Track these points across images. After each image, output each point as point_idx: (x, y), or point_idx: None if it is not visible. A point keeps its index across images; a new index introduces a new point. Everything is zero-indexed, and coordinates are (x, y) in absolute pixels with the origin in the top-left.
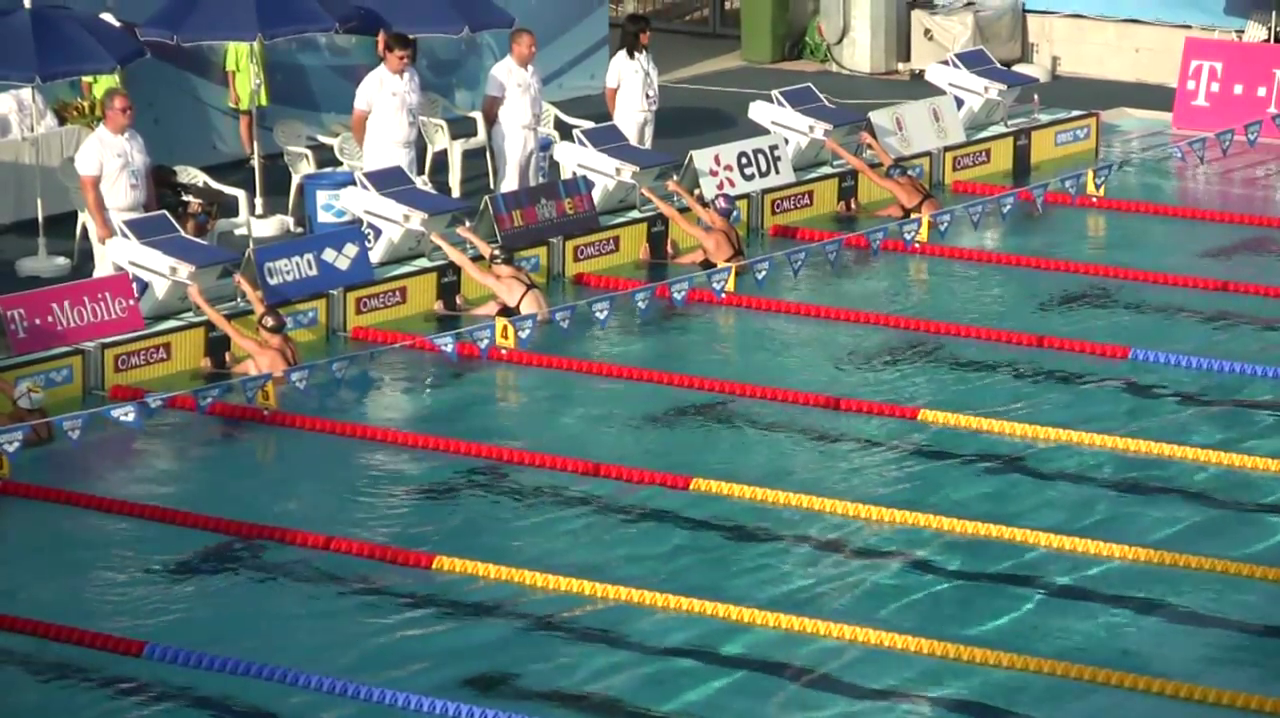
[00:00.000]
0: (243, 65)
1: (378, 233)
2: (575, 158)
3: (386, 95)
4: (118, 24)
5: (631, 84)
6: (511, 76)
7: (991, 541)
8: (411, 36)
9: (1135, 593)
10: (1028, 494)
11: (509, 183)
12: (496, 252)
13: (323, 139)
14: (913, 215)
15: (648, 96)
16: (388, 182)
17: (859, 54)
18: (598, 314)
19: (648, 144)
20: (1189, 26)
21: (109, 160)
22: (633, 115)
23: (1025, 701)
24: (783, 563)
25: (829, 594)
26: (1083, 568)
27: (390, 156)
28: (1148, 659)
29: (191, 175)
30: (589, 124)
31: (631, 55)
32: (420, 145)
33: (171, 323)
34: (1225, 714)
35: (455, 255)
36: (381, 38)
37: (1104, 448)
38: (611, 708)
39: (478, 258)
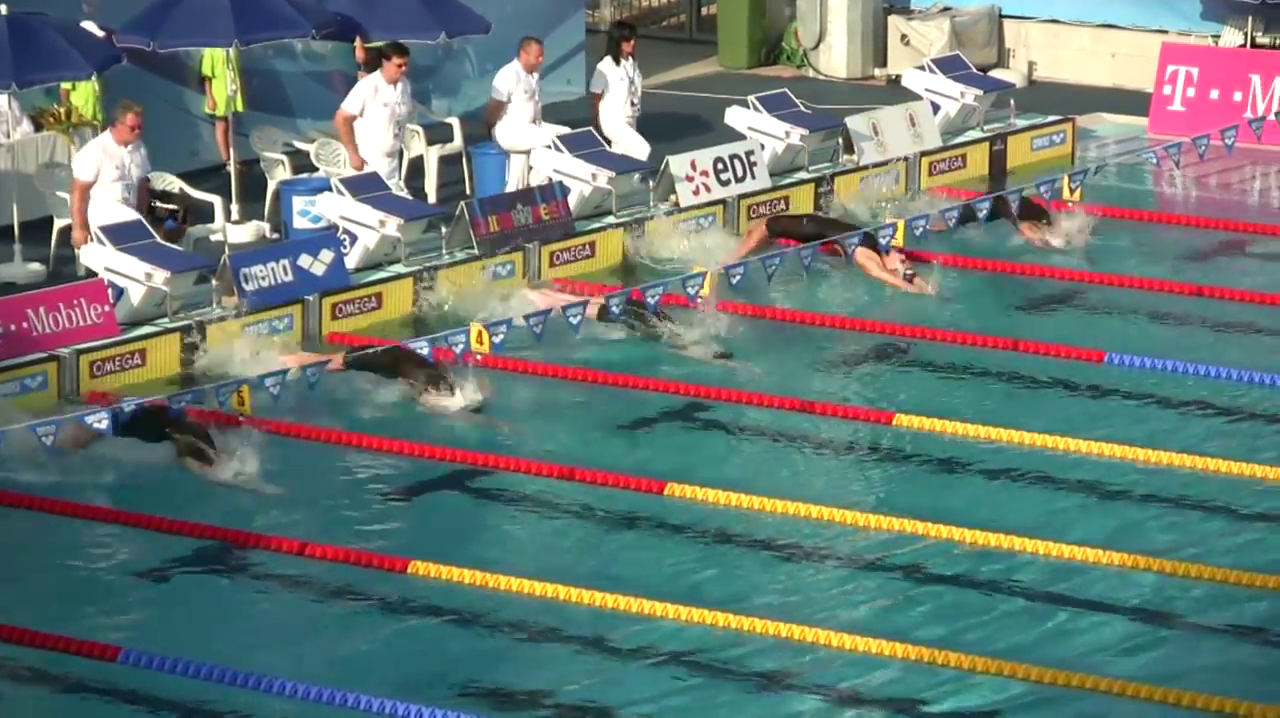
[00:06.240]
0: (219, 71)
1: (354, 239)
2: (551, 163)
3: (378, 105)
4: (100, 33)
5: (616, 91)
6: (519, 84)
7: (964, 546)
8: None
9: (1118, 598)
10: (1001, 498)
11: (511, 186)
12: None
13: (299, 145)
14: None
15: (632, 104)
16: (364, 187)
17: (835, 59)
18: (572, 320)
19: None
20: (1165, 31)
21: (107, 169)
22: (612, 128)
23: (1002, 707)
24: (757, 568)
25: (803, 598)
26: (1060, 573)
27: (373, 165)
28: (1127, 666)
29: (167, 182)
30: (565, 129)
31: (617, 62)
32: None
33: (147, 329)
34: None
35: None
36: (359, 44)
37: (1079, 453)
38: (582, 712)
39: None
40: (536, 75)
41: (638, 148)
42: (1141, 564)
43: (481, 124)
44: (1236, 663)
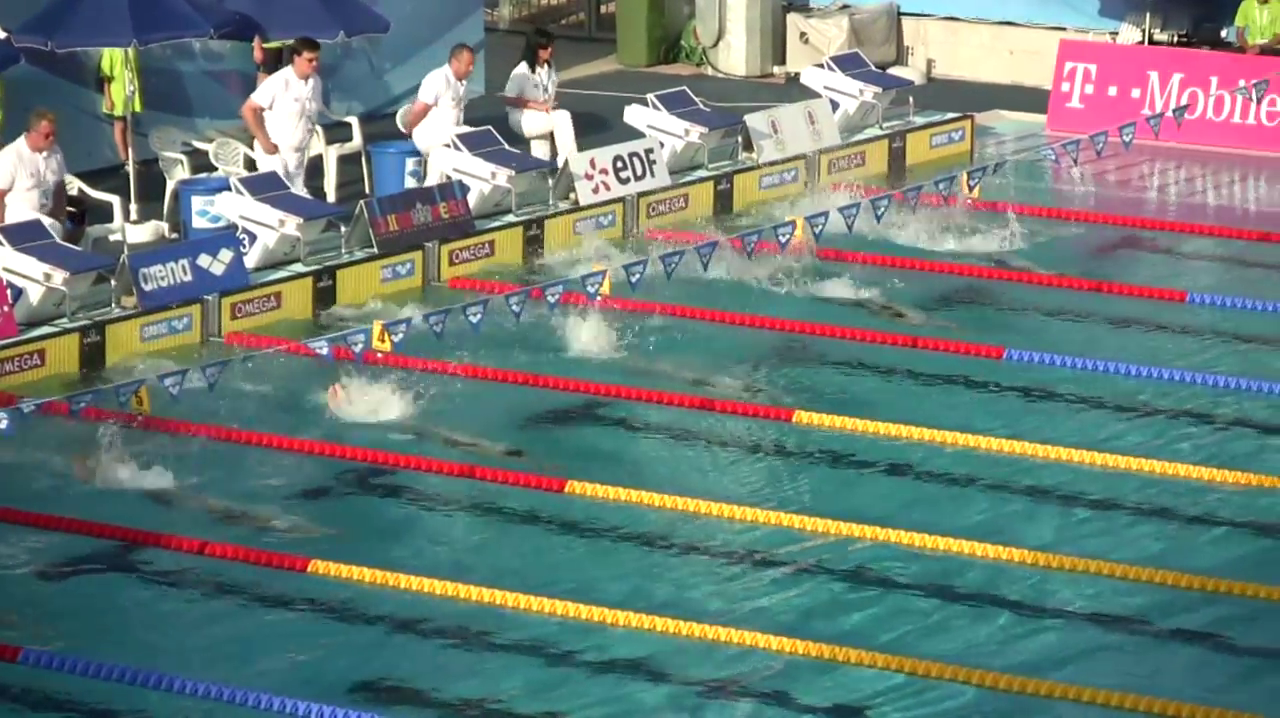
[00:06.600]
0: (117, 72)
1: (253, 238)
2: (451, 162)
3: (289, 99)
4: (2, 34)
5: (531, 97)
6: (448, 89)
7: (865, 542)
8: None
9: (1010, 595)
10: (900, 494)
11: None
12: None
13: (198, 145)
14: None
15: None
16: (263, 187)
17: (734, 57)
18: (471, 318)
19: (545, 154)
20: (1063, 29)
21: (21, 177)
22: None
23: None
24: (658, 565)
25: (705, 596)
26: (956, 569)
27: (281, 160)
28: (1023, 662)
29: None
30: (464, 129)
31: (533, 68)
32: None
33: (45, 329)
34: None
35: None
36: (258, 44)
37: (978, 448)
38: (485, 712)
39: None
40: (465, 83)
41: (563, 125)
42: (1081, 567)
43: (381, 123)
44: (1157, 663)
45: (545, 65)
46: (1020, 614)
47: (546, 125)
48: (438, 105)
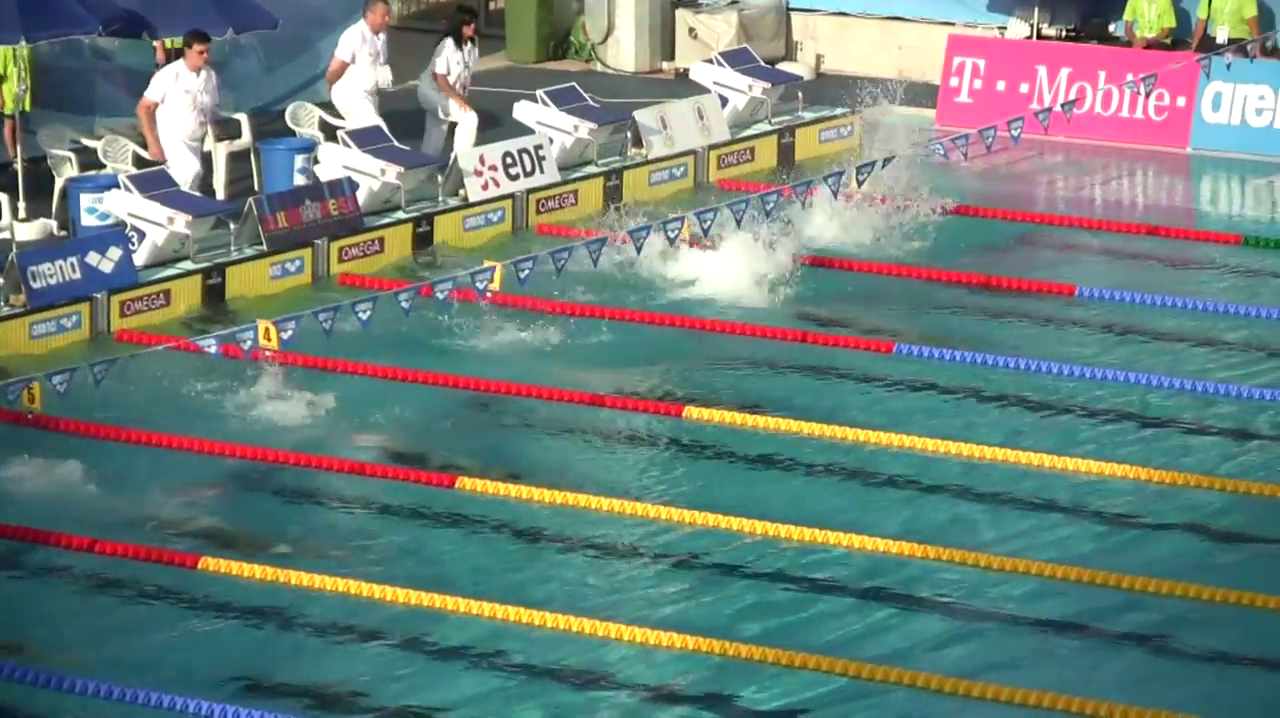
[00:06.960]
0: (9, 70)
1: (142, 235)
2: (340, 159)
3: (180, 91)
4: None
5: (453, 73)
6: (365, 45)
7: (783, 541)
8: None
9: (937, 593)
10: (789, 489)
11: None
12: None
13: (87, 142)
14: None
15: (463, 86)
16: (151, 184)
17: (623, 53)
18: (360, 314)
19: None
20: (952, 24)
21: None
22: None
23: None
24: (550, 563)
25: (633, 598)
26: (835, 562)
27: (177, 153)
28: (944, 660)
29: None
30: (354, 124)
31: (459, 45)
32: None
33: None
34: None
35: None
36: (160, 45)
37: (865, 443)
38: (381, 710)
39: None
40: (382, 37)
41: (468, 126)
42: (958, 558)
43: (270, 120)
44: (1053, 657)
45: (469, 42)
46: (953, 616)
47: (458, 116)
48: (355, 62)
